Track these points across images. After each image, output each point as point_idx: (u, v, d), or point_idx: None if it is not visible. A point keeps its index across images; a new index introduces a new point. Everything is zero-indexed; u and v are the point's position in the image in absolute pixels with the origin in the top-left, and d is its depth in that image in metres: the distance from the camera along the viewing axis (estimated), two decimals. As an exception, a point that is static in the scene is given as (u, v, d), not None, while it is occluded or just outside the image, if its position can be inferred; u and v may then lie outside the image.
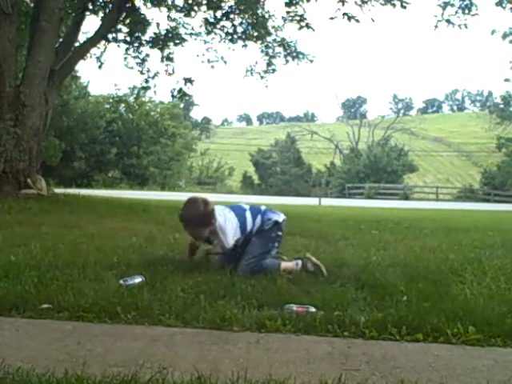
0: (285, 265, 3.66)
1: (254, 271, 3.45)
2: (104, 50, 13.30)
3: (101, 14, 11.62)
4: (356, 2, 11.26)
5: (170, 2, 12.53)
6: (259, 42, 13.10)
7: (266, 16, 12.66)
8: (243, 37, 12.89)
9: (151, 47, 12.82)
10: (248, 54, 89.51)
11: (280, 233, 3.77)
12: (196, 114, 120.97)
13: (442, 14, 12.13)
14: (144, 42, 12.64)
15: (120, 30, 12.20)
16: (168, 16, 12.69)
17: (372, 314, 2.63)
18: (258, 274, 3.39)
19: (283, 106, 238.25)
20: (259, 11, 12.43)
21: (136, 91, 31.89)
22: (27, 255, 3.81)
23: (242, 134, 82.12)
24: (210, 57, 13.50)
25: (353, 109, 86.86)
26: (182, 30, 12.95)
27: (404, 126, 55.66)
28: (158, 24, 12.68)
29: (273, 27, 12.91)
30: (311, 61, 13.46)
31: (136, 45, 12.71)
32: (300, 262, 3.71)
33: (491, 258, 4.46)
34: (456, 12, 12.07)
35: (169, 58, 13.06)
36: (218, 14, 12.51)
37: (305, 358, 2.13)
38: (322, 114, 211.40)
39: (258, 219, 3.69)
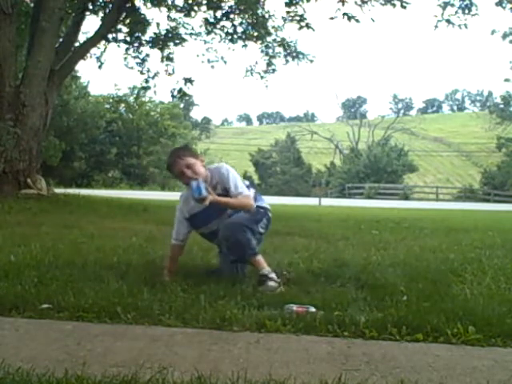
0: (259, 259, 3.27)
1: (237, 237, 3.18)
2: (104, 50, 13.34)
3: (101, 14, 11.63)
4: (356, 2, 11.28)
5: (169, 2, 12.55)
6: (259, 41, 13.11)
7: (266, 16, 12.68)
8: (243, 37, 12.90)
9: (151, 47, 12.83)
10: (248, 53, 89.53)
11: (269, 214, 3.46)
12: (196, 114, 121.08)
13: (442, 14, 12.17)
14: (144, 42, 12.66)
15: (120, 30, 12.22)
16: (168, 16, 12.71)
17: (372, 313, 2.63)
18: (236, 246, 3.19)
19: (283, 106, 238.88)
20: (259, 11, 12.44)
21: (136, 91, 31.94)
22: (27, 255, 3.81)
23: (241, 134, 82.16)
24: (210, 57, 13.53)
25: (353, 109, 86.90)
26: (182, 30, 12.98)
27: (404, 126, 55.68)
28: (158, 24, 12.72)
29: (273, 27, 12.94)
30: (311, 61, 13.48)
31: (136, 45, 12.72)
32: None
33: (491, 258, 4.45)
34: (456, 12, 12.10)
35: (169, 58, 13.08)
36: (218, 14, 12.53)
37: (305, 358, 2.12)
38: (322, 114, 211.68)
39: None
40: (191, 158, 3.34)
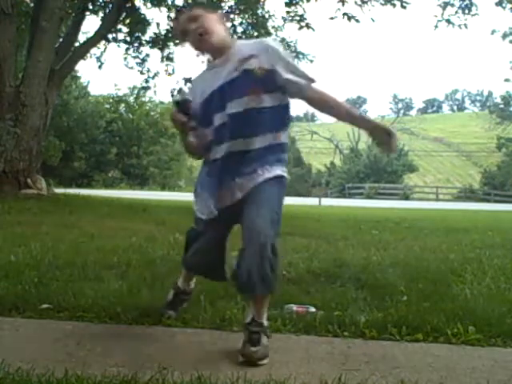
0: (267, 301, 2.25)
1: (275, 235, 2.17)
2: (104, 50, 13.35)
3: (101, 14, 11.62)
4: (356, 2, 11.26)
5: (169, 2, 12.54)
6: (259, 42, 13.10)
7: (266, 16, 12.68)
8: (243, 37, 12.89)
9: (151, 47, 12.83)
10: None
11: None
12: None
13: (442, 14, 12.16)
14: (144, 42, 12.66)
15: (120, 30, 12.22)
16: (168, 16, 12.70)
17: (372, 313, 2.63)
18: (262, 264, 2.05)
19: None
20: (259, 11, 12.43)
21: (136, 91, 31.89)
22: (27, 255, 3.80)
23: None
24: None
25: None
26: (182, 30, 12.95)
27: (404, 126, 55.78)
28: (158, 24, 12.73)
29: (273, 27, 12.92)
30: (311, 61, 13.46)
31: (136, 45, 12.72)
32: None
33: (491, 258, 4.45)
34: (456, 12, 12.08)
35: (169, 58, 13.08)
36: (218, 14, 12.52)
37: (305, 358, 2.12)
38: (321, 114, 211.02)
39: None
40: (200, 10, 2.28)
